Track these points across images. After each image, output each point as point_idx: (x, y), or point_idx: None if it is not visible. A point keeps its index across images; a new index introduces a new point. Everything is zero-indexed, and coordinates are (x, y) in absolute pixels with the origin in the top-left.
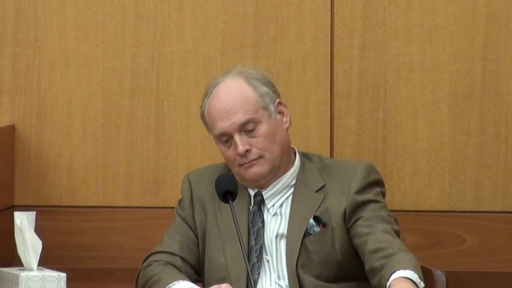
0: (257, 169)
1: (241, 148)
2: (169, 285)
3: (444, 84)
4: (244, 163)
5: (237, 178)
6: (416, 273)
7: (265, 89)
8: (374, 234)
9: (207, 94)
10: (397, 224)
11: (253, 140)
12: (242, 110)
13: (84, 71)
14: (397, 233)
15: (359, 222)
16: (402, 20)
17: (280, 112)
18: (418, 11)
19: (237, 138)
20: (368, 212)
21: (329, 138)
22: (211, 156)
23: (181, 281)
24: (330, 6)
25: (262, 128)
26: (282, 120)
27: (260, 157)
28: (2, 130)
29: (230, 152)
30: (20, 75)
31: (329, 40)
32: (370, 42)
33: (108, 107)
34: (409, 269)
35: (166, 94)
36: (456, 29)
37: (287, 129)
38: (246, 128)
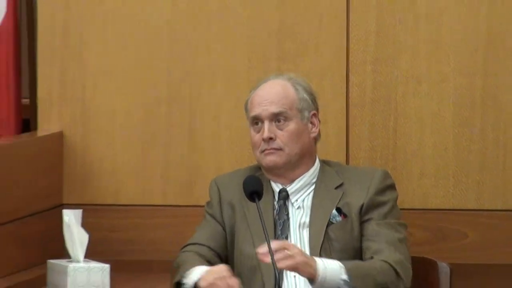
0: (274, 158)
1: (266, 134)
2: (189, 270)
3: (448, 96)
4: (265, 149)
5: (258, 163)
6: (343, 271)
7: (305, 96)
8: (377, 243)
9: (255, 87)
10: (405, 228)
11: (279, 132)
12: (279, 103)
13: (124, 83)
14: (401, 240)
15: (372, 223)
16: (410, 37)
17: (312, 123)
18: (425, 29)
19: (266, 124)
20: (381, 215)
21: (345, 144)
22: (238, 160)
23: (197, 266)
24: (346, 25)
25: (290, 125)
26: (311, 130)
27: (280, 149)
28: (51, 136)
29: (257, 137)
30: (67, 87)
31: (345, 55)
32: (382, 58)
33: (146, 116)
34: (336, 263)
35: (198, 104)
36: (459, 46)
37: (313, 138)
38: (277, 118)
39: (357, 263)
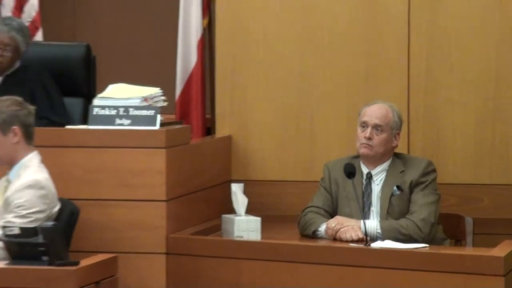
0: (367, 151)
1: (368, 134)
2: (323, 223)
3: (471, 113)
4: (364, 143)
5: (358, 151)
6: (378, 226)
7: (397, 120)
8: (413, 207)
9: (367, 104)
10: (437, 196)
11: (375, 137)
12: (381, 119)
13: (269, 105)
14: (430, 203)
15: (414, 194)
16: (447, 76)
17: (395, 137)
18: (457, 70)
19: (369, 129)
20: (421, 188)
21: (407, 144)
22: (341, 152)
23: (326, 222)
24: (407, 69)
25: (383, 135)
26: (393, 142)
27: (372, 146)
28: (224, 138)
29: (362, 134)
30: (234, 107)
31: (406, 87)
32: (430, 89)
33: (284, 124)
34: (379, 223)
35: (315, 116)
36: (478, 82)
37: (393, 147)
38: (376, 128)
39: (389, 221)
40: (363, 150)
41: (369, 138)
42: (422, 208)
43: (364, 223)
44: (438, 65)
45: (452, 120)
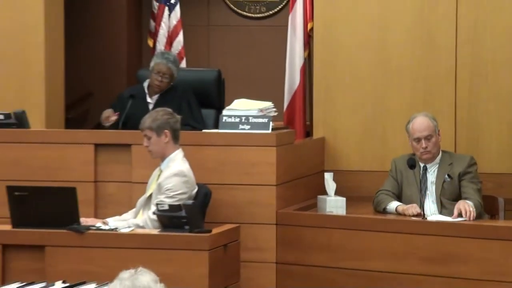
0: (427, 156)
1: (424, 145)
2: (391, 202)
3: (503, 121)
4: (422, 152)
5: (417, 157)
6: (472, 205)
7: (435, 122)
8: (468, 190)
9: (410, 120)
10: (480, 183)
11: (429, 144)
12: (427, 130)
13: (350, 114)
14: (478, 190)
15: (464, 182)
16: (484, 92)
17: (438, 135)
18: (492, 88)
19: (423, 141)
20: (468, 178)
21: (454, 144)
22: (404, 150)
23: (394, 201)
24: (454, 90)
25: (433, 139)
26: (439, 139)
27: (430, 151)
28: (319, 139)
29: (418, 146)
30: (326, 117)
31: (454, 103)
32: (472, 103)
33: (361, 131)
34: (471, 202)
35: (387, 121)
36: (509, 96)
37: (439, 143)
38: (427, 138)
39: (473, 200)
40: (425, 157)
41: (426, 147)
42: (476, 193)
43: (454, 205)
44: (478, 85)
45: (489, 126)
